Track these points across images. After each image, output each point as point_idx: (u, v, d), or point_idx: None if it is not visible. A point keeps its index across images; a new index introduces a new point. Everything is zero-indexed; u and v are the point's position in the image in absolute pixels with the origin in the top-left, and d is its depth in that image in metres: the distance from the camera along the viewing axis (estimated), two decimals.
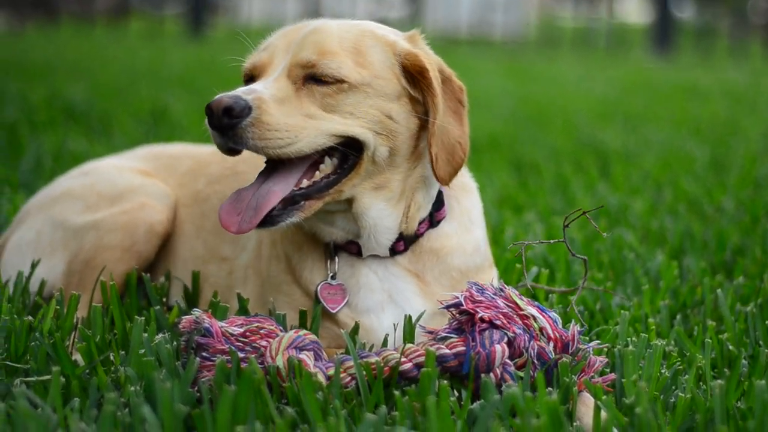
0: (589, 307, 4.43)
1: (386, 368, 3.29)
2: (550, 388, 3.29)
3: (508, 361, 3.32)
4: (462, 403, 3.21)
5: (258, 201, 3.54)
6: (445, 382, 3.11)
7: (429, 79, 3.67)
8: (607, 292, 4.54)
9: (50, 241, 4.29)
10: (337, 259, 3.80)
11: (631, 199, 7.06)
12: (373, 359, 3.29)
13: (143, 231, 4.24)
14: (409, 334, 3.60)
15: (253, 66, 3.70)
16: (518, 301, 3.44)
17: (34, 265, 4.21)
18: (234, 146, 3.51)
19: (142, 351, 3.40)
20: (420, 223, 3.79)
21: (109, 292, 3.93)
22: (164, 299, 4.22)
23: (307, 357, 3.28)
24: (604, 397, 3.16)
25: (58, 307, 3.89)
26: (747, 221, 6.24)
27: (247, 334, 3.38)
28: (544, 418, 2.93)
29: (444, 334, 3.39)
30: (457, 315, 3.42)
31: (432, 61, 3.73)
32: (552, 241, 4.24)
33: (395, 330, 3.70)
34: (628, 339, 3.82)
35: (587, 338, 3.97)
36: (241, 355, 3.31)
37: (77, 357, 3.61)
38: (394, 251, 3.78)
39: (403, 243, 3.78)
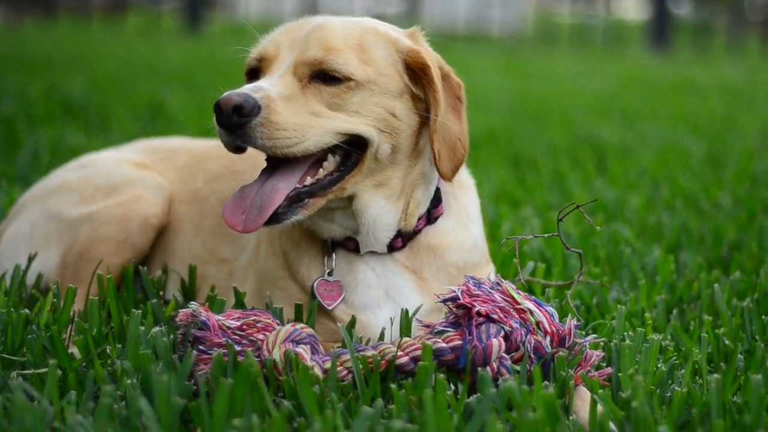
0: (586, 302, 4.44)
1: (383, 362, 3.29)
2: (546, 382, 3.29)
3: (504, 355, 3.32)
4: (459, 396, 3.22)
5: (263, 199, 3.52)
6: (442, 375, 3.11)
7: (431, 76, 3.67)
8: (603, 287, 4.55)
9: (45, 234, 4.29)
10: (334, 255, 3.80)
11: (628, 195, 7.06)
12: (369, 353, 3.30)
13: (138, 223, 4.24)
14: (405, 328, 3.60)
15: (258, 60, 3.68)
16: (515, 295, 3.44)
17: (31, 259, 4.20)
18: (242, 145, 3.49)
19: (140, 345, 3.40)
20: (418, 220, 3.79)
21: (105, 285, 3.93)
22: (161, 293, 4.22)
23: (303, 350, 3.28)
24: (600, 391, 3.16)
25: (54, 300, 3.88)
26: (743, 217, 6.25)
27: (244, 327, 3.38)
28: (541, 412, 2.93)
29: (441, 328, 3.39)
30: (454, 309, 3.42)
31: (433, 58, 3.74)
32: (546, 235, 4.24)
33: (392, 324, 3.70)
34: (625, 333, 3.82)
35: (584, 332, 3.97)
36: (237, 348, 3.31)
37: (74, 350, 3.61)
38: (391, 248, 3.78)
39: (401, 240, 3.78)
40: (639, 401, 2.98)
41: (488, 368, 3.27)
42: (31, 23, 25.34)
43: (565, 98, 13.84)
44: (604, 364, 3.55)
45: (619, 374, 3.38)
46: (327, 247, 3.81)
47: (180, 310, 3.49)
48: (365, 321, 3.72)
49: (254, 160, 4.32)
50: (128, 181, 4.34)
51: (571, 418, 3.16)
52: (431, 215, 3.82)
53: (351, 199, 3.66)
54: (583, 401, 3.23)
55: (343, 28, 3.64)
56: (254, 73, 3.71)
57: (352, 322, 3.66)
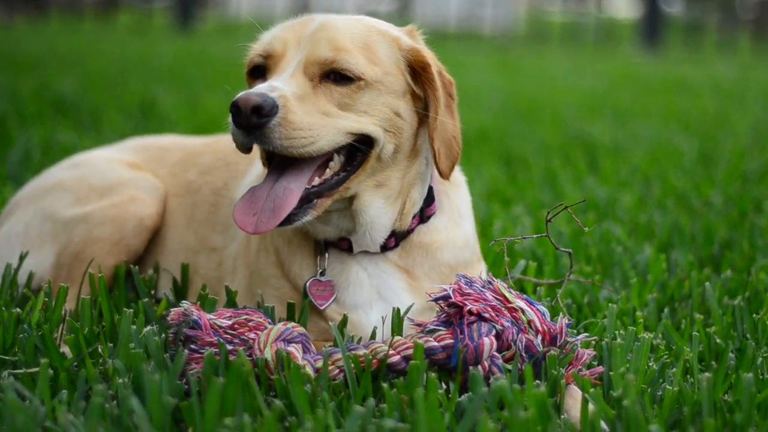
0: (577, 300, 4.44)
1: (374, 361, 3.29)
2: (538, 381, 3.29)
3: (496, 353, 3.33)
4: (450, 395, 3.22)
5: (275, 201, 3.50)
6: (433, 374, 3.12)
7: (431, 74, 3.69)
8: (595, 285, 4.55)
9: (39, 234, 4.28)
10: (327, 255, 3.80)
11: (620, 193, 7.07)
12: (361, 352, 3.30)
13: (133, 225, 4.24)
14: (397, 327, 3.60)
15: (264, 58, 3.65)
16: (506, 294, 3.44)
17: (22, 258, 4.20)
18: (259, 145, 3.47)
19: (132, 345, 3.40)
20: (412, 219, 3.79)
21: (97, 284, 3.93)
22: (152, 291, 4.21)
23: (295, 349, 3.28)
24: (591, 390, 3.16)
25: (46, 299, 3.88)
26: (735, 215, 6.25)
27: (236, 326, 3.38)
28: (532, 411, 2.94)
29: (432, 327, 3.39)
30: (446, 307, 3.42)
31: (432, 57, 3.75)
32: (535, 236, 4.24)
33: (383, 323, 3.70)
34: (616, 332, 3.83)
35: (575, 331, 3.98)
36: (229, 347, 3.31)
37: (65, 349, 3.61)
38: (384, 247, 3.78)
39: (394, 239, 3.78)
40: (630, 400, 2.98)
41: (480, 367, 3.27)
42: (22, 21, 25.30)
43: (557, 97, 13.85)
44: (596, 363, 3.56)
45: (611, 373, 3.38)
46: (320, 246, 3.80)
47: (172, 309, 3.49)
48: (356, 320, 3.72)
49: (249, 153, 4.33)
50: (123, 182, 4.34)
51: (562, 416, 3.16)
52: (424, 214, 3.83)
53: (350, 199, 3.66)
54: (574, 400, 3.24)
55: (348, 27, 3.64)
56: (258, 70, 3.69)
57: (344, 321, 3.66)
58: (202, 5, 27.63)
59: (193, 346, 3.33)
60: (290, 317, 3.70)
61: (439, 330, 3.36)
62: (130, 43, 20.29)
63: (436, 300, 3.44)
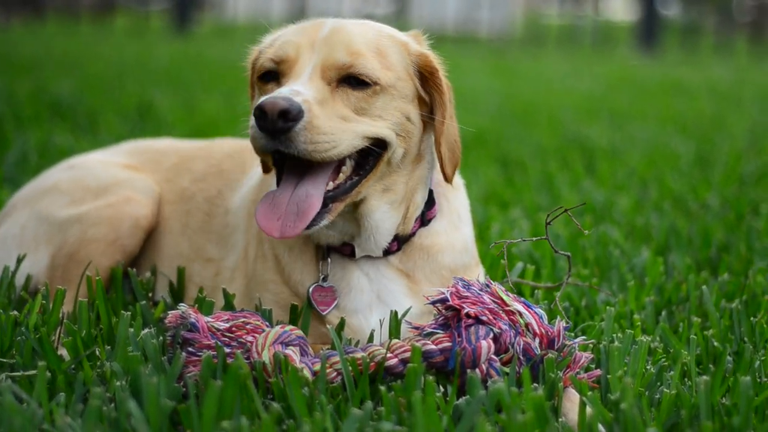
0: (575, 304, 4.44)
1: (372, 364, 3.29)
2: (535, 384, 3.29)
3: (493, 356, 3.33)
4: (448, 398, 3.22)
5: (299, 205, 3.49)
6: (431, 377, 3.11)
7: (440, 79, 3.71)
8: (592, 288, 4.55)
9: (34, 235, 4.28)
10: (329, 260, 3.79)
11: (617, 196, 7.07)
12: (359, 355, 3.30)
13: (128, 225, 4.23)
14: (395, 330, 3.60)
15: (276, 63, 3.63)
16: (504, 297, 3.44)
17: (19, 260, 4.20)
18: (282, 149, 3.43)
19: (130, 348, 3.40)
20: (414, 223, 3.80)
21: (94, 286, 3.92)
22: (150, 294, 4.21)
23: (293, 352, 3.28)
24: (589, 393, 3.16)
25: (43, 301, 3.88)
26: (732, 218, 6.26)
27: (233, 329, 3.38)
28: (530, 414, 2.94)
29: (430, 330, 3.39)
30: (443, 310, 3.42)
31: (439, 62, 3.76)
32: (534, 238, 4.24)
33: (381, 326, 3.70)
34: (614, 335, 3.82)
35: (573, 334, 3.98)
36: (227, 350, 3.31)
37: (63, 352, 3.61)
38: (386, 251, 3.78)
39: (397, 243, 3.78)
40: (628, 403, 2.98)
41: (477, 370, 3.27)
42: (19, 24, 25.29)
43: (554, 99, 13.86)
44: (593, 366, 3.56)
45: (608, 376, 3.38)
46: (322, 251, 3.80)
47: (169, 312, 3.49)
48: (356, 325, 3.72)
49: (241, 158, 4.33)
50: (118, 182, 4.34)
51: (560, 420, 3.17)
52: (425, 217, 3.83)
53: (356, 204, 3.66)
54: (572, 403, 3.24)
55: (360, 32, 3.64)
56: (270, 75, 3.66)
57: (341, 324, 3.66)
58: (198, 8, 27.63)
59: (190, 349, 3.33)
60: (293, 321, 3.70)
61: (437, 333, 3.36)
62: (127, 45, 20.29)
63: (433, 303, 3.44)
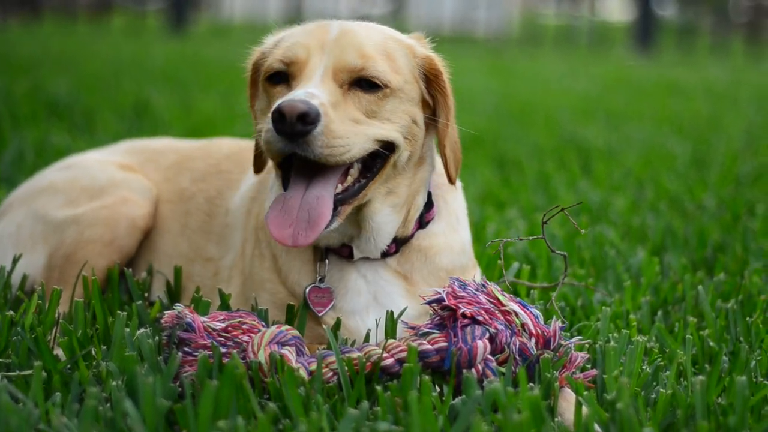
0: (571, 304, 4.45)
1: (368, 364, 3.29)
2: (531, 384, 3.30)
3: (489, 356, 3.33)
4: (444, 398, 3.22)
5: (310, 211, 3.48)
6: (427, 377, 3.11)
7: (444, 81, 3.72)
8: (588, 288, 4.55)
9: (30, 235, 4.28)
10: (327, 261, 3.79)
11: (613, 196, 7.07)
12: (355, 355, 3.30)
13: (125, 226, 4.23)
14: (391, 330, 3.60)
15: (286, 65, 3.61)
16: (500, 297, 3.45)
17: (15, 260, 4.19)
18: (300, 153, 3.41)
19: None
20: (413, 225, 3.80)
21: (90, 286, 3.92)
22: (146, 294, 4.21)
23: (289, 352, 3.28)
24: (585, 393, 3.17)
25: (39, 301, 3.88)
26: (728, 218, 6.26)
27: (229, 329, 3.38)
28: (526, 414, 2.94)
29: (426, 330, 3.39)
30: (439, 310, 3.42)
31: (443, 64, 3.76)
32: (531, 237, 4.25)
33: (377, 326, 3.70)
34: (610, 335, 3.83)
35: (569, 334, 3.98)
36: (223, 350, 3.31)
37: (59, 352, 3.61)
38: (384, 253, 3.78)
39: (395, 245, 3.78)
40: (624, 403, 2.99)
41: (473, 370, 3.27)
42: (16, 23, 25.27)
43: (550, 99, 13.86)
44: (589, 366, 3.56)
45: (604, 376, 3.38)
46: (320, 253, 3.80)
47: (165, 312, 3.49)
48: (353, 326, 3.72)
49: (240, 159, 4.32)
50: (114, 183, 4.33)
51: (556, 419, 3.16)
52: (423, 219, 3.83)
53: (359, 207, 3.66)
54: (568, 403, 3.24)
55: (369, 34, 3.64)
56: (279, 76, 3.64)
57: (338, 324, 3.66)
58: (195, 7, 27.60)
59: (186, 349, 3.33)
60: (289, 321, 3.70)
61: (433, 333, 3.37)
62: (124, 45, 20.27)
63: (429, 303, 3.44)
